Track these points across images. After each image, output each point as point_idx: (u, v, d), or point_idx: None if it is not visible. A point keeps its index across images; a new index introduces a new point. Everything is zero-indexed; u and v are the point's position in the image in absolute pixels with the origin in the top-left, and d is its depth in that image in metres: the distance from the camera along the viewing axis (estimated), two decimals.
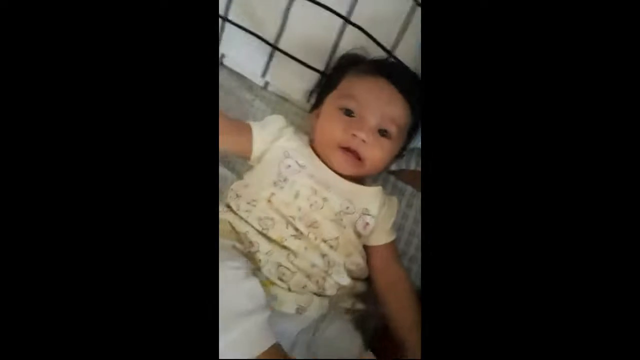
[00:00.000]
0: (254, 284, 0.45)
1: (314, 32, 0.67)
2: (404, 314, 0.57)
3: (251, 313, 0.43)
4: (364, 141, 0.56)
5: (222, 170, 0.67)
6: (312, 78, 0.69)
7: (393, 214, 0.62)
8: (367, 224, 0.58)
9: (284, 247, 0.53)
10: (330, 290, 0.54)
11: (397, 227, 0.67)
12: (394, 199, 0.63)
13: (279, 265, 0.52)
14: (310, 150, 0.61)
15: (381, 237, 0.60)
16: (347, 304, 0.58)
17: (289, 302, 0.51)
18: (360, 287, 0.59)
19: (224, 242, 0.50)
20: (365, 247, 0.60)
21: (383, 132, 0.58)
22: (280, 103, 0.73)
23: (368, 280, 0.61)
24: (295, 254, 0.53)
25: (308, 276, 0.53)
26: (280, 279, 0.52)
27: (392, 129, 0.58)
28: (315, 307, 0.52)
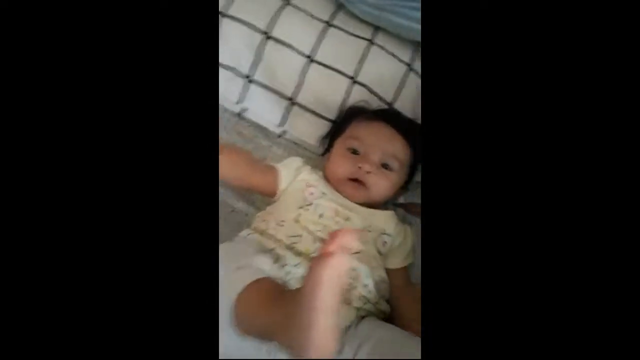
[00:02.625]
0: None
1: (326, 89, 0.80)
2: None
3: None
4: (369, 172, 0.65)
5: (243, 206, 0.73)
6: (324, 126, 0.80)
7: (408, 241, 0.68)
8: (385, 242, 0.65)
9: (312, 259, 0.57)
10: (356, 302, 0.57)
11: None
12: (408, 228, 0.70)
13: (304, 277, 0.55)
14: (326, 182, 0.69)
15: (397, 261, 0.66)
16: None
17: None
18: (385, 307, 0.62)
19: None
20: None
21: (386, 166, 0.68)
22: (294, 148, 0.83)
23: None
24: None
25: None
26: None
27: (394, 163, 0.68)
28: (343, 315, 0.55)
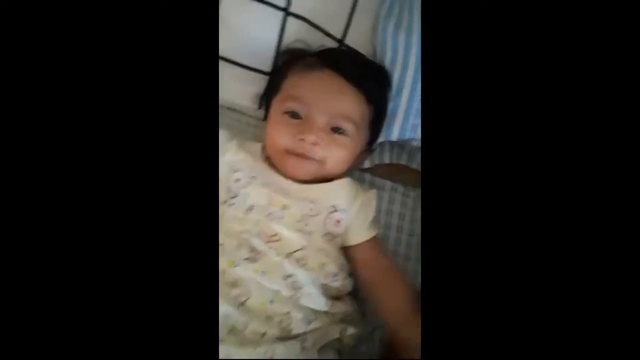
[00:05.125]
0: None
1: (252, 30, 0.60)
2: (396, 307, 0.49)
3: None
4: (315, 144, 0.49)
5: None
6: (258, 81, 0.62)
7: (371, 208, 0.54)
8: (338, 220, 0.50)
9: (234, 285, 0.44)
10: (298, 328, 0.44)
11: (384, 226, 0.60)
12: (371, 192, 0.55)
13: (227, 316, 0.42)
14: (261, 160, 0.53)
15: (360, 234, 0.52)
16: (335, 332, 0.48)
17: (245, 358, 0.41)
18: (345, 307, 0.50)
19: None
20: (346, 249, 0.52)
21: (337, 130, 0.51)
22: (227, 114, 0.65)
23: (356, 297, 0.53)
24: (248, 292, 0.44)
25: (268, 317, 0.44)
26: (230, 333, 0.42)
27: (347, 125, 0.51)
28: (280, 357, 0.42)
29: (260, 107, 0.63)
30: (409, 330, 0.46)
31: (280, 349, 0.42)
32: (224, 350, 0.40)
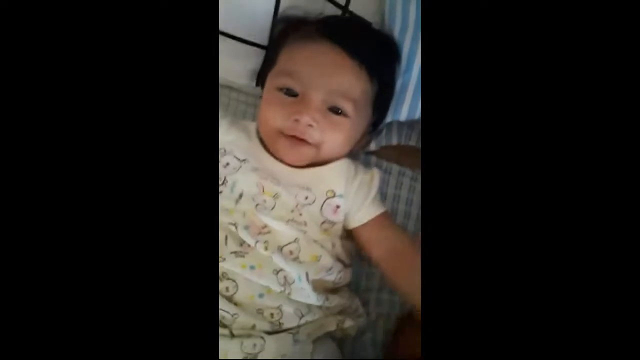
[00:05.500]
0: None
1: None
2: (415, 281, 0.46)
3: None
4: (310, 125, 0.44)
5: None
6: (254, 55, 0.57)
7: (373, 185, 0.48)
8: (337, 206, 0.46)
9: (221, 277, 0.41)
10: (290, 322, 0.42)
11: (390, 212, 0.56)
12: (372, 171, 0.50)
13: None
14: (254, 140, 0.49)
15: (363, 215, 0.47)
16: (332, 324, 0.46)
17: (233, 351, 0.39)
18: (342, 299, 0.47)
19: None
20: (352, 232, 0.48)
21: (335, 110, 0.46)
22: (223, 92, 0.60)
23: (358, 286, 0.50)
24: (236, 285, 0.41)
25: (259, 310, 0.41)
26: (221, 325, 0.40)
27: (345, 105, 0.45)
28: (270, 350, 0.40)
29: (257, 85, 0.58)
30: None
31: (271, 341, 0.40)
32: None
